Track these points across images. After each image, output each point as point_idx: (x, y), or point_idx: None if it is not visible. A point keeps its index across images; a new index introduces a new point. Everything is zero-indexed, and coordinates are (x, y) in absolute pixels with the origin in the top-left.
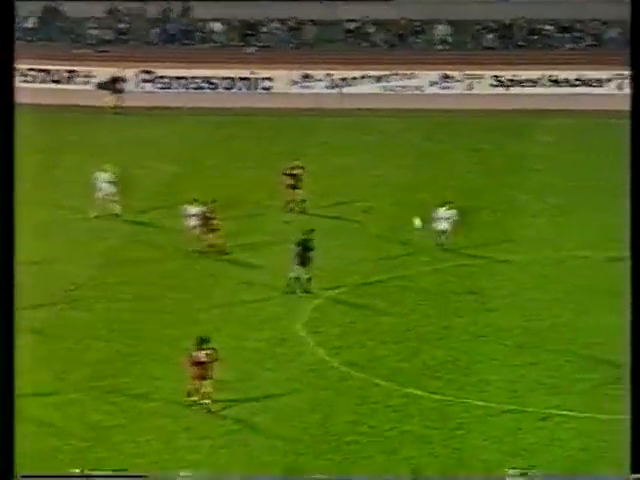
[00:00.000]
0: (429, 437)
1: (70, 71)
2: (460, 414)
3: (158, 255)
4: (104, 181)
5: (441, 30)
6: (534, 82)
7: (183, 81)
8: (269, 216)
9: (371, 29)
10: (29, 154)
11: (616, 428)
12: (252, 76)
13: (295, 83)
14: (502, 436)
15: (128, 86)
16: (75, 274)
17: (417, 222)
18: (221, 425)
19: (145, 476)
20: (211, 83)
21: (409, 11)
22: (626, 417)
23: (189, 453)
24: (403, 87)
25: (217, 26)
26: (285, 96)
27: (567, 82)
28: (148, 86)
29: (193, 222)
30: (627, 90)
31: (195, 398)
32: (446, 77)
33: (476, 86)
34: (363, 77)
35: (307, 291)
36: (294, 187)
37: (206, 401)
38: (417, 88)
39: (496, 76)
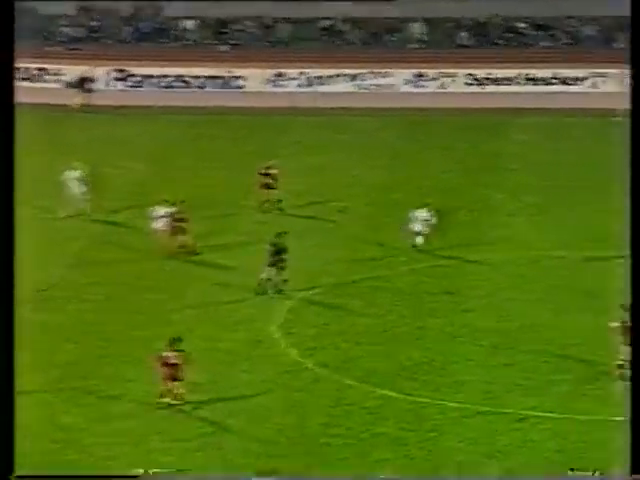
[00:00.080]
0: (404, 439)
1: (40, 69)
2: (435, 416)
3: (130, 256)
4: (74, 180)
5: (416, 28)
6: (510, 80)
7: (155, 80)
8: (243, 216)
9: (346, 27)
10: None
11: (593, 429)
12: (225, 75)
13: (269, 82)
14: (478, 438)
15: (99, 84)
16: (45, 274)
17: (418, 239)
18: (194, 427)
19: (139, 476)
20: (184, 82)
21: (384, 9)
22: (603, 417)
23: (161, 455)
24: (378, 86)
25: (190, 24)
26: (259, 95)
27: (543, 80)
28: (120, 84)
29: (162, 223)
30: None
31: (167, 400)
32: (421, 75)
33: (451, 84)
34: (337, 76)
35: (281, 292)
36: (269, 187)
37: (178, 402)
38: (392, 87)
39: (471, 74)
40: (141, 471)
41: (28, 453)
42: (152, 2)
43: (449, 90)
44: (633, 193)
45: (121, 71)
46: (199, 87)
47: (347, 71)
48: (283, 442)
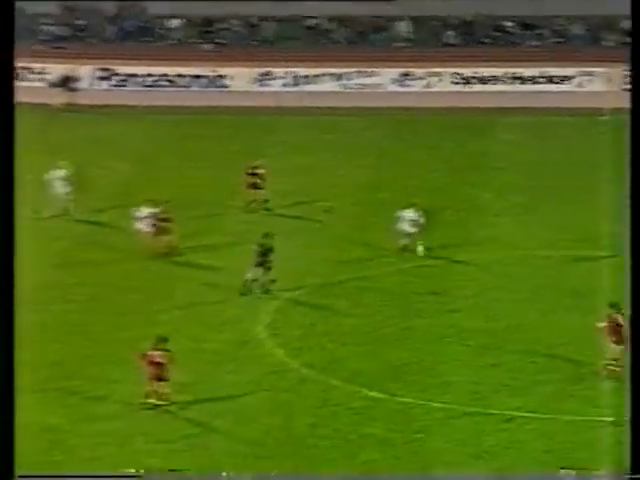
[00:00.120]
0: (391, 440)
1: (24, 68)
2: (422, 416)
3: (114, 256)
4: (58, 180)
5: (402, 27)
6: (496, 79)
7: (140, 79)
8: (229, 216)
9: (332, 26)
10: None
11: (580, 429)
12: (210, 74)
13: (254, 81)
14: (465, 438)
15: (83, 84)
16: (29, 275)
17: (420, 249)
18: (180, 428)
19: (139, 476)
20: (169, 81)
21: (370, 8)
22: (590, 418)
23: (147, 457)
24: (364, 85)
25: (175, 23)
26: (244, 94)
27: (530, 79)
28: (104, 84)
29: (146, 224)
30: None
31: (153, 400)
32: (407, 75)
33: (438, 84)
34: (323, 75)
35: (268, 292)
36: (256, 187)
37: (164, 403)
38: (378, 86)
39: (458, 73)
40: (142, 471)
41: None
42: (137, 2)
43: (435, 89)
44: (633, 193)
45: (105, 70)
46: (184, 86)
47: (333, 70)
48: (270, 443)
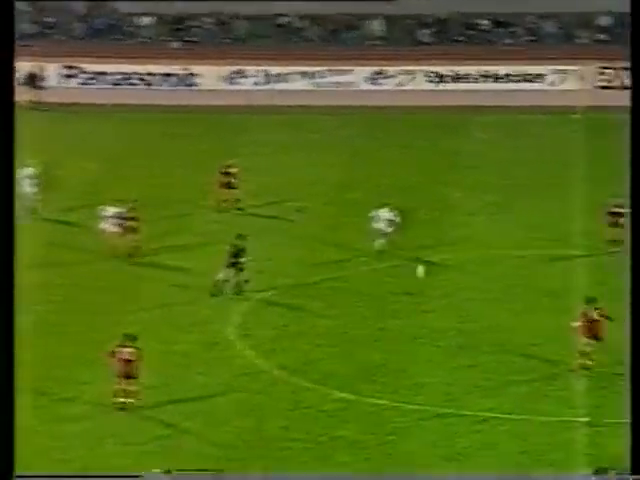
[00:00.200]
0: (364, 442)
1: None
2: (395, 418)
3: (82, 256)
4: (25, 179)
5: (375, 25)
6: (470, 78)
7: (109, 77)
8: (200, 216)
9: (304, 24)
10: None
11: (555, 430)
12: (181, 72)
13: (225, 79)
14: (438, 440)
15: (51, 81)
16: None
17: (420, 270)
18: (150, 430)
19: (139, 476)
20: (139, 79)
21: (343, 6)
22: (566, 418)
23: (117, 458)
24: (337, 83)
25: (146, 21)
26: (215, 93)
27: (503, 78)
28: (73, 82)
29: (112, 223)
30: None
31: (122, 399)
32: (380, 73)
33: (411, 82)
34: (295, 73)
35: (241, 293)
36: (230, 186)
37: (132, 400)
38: (351, 84)
39: (431, 72)
40: (142, 471)
41: None
42: (107, 1)
43: (409, 88)
44: (633, 193)
45: (74, 68)
46: (155, 84)
47: (305, 69)
48: (241, 446)
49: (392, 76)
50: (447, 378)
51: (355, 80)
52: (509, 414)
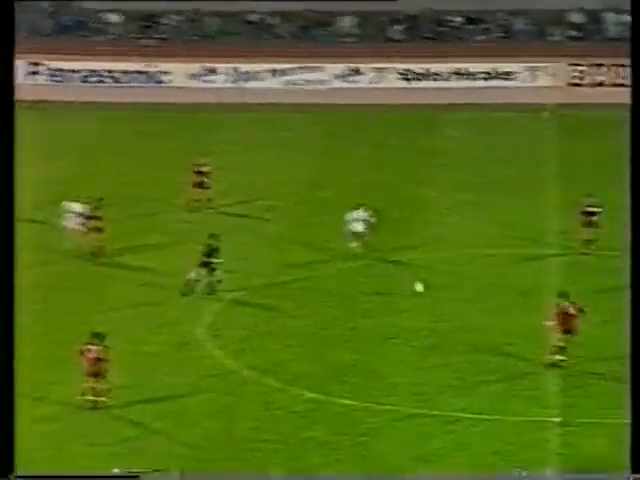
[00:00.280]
0: (335, 443)
1: None
2: (367, 419)
3: (49, 255)
4: None
5: (346, 22)
6: (441, 75)
7: (77, 74)
8: (170, 215)
9: (274, 21)
10: None
11: (527, 429)
12: (150, 69)
13: (195, 77)
14: (410, 441)
15: (17, 78)
16: None
17: (419, 286)
18: (119, 430)
19: (137, 475)
20: (107, 76)
21: (313, 3)
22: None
23: (86, 459)
24: (307, 81)
25: (114, 17)
26: (185, 90)
27: (476, 75)
28: (41, 79)
29: (75, 222)
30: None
31: (91, 397)
32: (352, 70)
33: (383, 80)
34: (266, 71)
35: (213, 293)
36: (202, 185)
37: (103, 399)
38: (322, 82)
39: (403, 69)
40: (142, 471)
41: None
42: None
43: (381, 85)
44: (633, 193)
45: (39, 65)
46: (123, 82)
47: (276, 66)
48: (211, 447)
49: (363, 73)
50: (419, 378)
51: (326, 78)
52: (482, 414)
